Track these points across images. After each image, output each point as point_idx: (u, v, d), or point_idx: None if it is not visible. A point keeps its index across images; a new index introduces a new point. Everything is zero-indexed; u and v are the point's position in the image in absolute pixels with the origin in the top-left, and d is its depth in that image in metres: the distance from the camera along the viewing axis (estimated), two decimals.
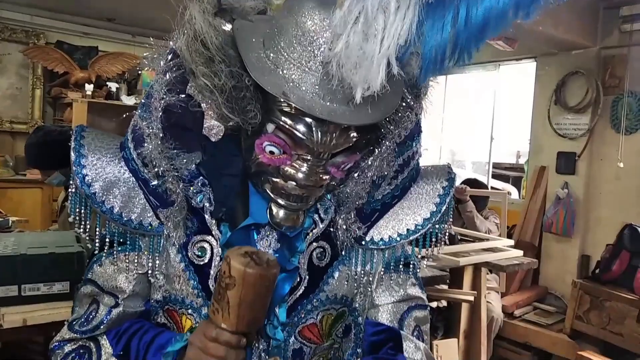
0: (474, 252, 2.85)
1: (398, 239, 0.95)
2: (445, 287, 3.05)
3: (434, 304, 3.16)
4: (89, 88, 4.89)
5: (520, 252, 3.02)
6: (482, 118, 5.21)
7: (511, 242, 3.23)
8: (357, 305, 0.99)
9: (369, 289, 0.98)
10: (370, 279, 0.97)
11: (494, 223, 3.77)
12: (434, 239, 0.97)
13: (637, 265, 3.02)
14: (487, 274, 3.37)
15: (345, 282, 0.95)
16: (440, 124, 5.54)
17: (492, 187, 5.79)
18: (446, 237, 0.97)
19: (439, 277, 2.47)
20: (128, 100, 4.91)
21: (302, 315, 0.92)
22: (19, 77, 5.19)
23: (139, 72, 5.16)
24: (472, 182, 3.88)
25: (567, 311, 3.37)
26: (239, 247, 0.85)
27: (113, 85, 5.15)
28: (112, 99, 5.09)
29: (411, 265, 1.01)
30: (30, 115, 5.21)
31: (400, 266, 0.98)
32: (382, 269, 0.98)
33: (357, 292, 0.97)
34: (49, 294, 1.56)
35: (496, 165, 6.30)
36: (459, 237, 2.98)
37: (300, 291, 0.91)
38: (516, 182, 6.12)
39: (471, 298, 2.89)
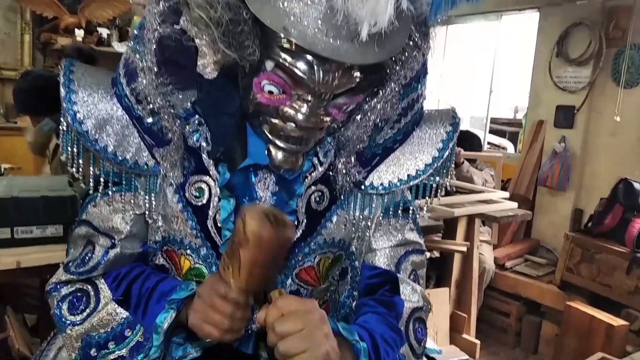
0: (468, 204, 2.86)
1: (398, 184, 0.93)
2: (438, 237, 3.08)
3: (427, 255, 3.20)
4: (79, 34, 4.75)
5: (514, 204, 3.03)
6: (481, 71, 5.13)
7: (506, 194, 3.24)
8: (354, 249, 0.98)
9: (367, 234, 0.97)
10: (369, 223, 0.96)
11: (489, 174, 3.78)
12: (434, 186, 0.95)
13: (630, 218, 3.04)
14: (480, 226, 3.40)
15: (343, 227, 0.94)
16: (439, 78, 5.46)
17: (488, 143, 5.78)
18: (447, 183, 0.96)
19: (433, 227, 2.48)
20: (120, 47, 4.78)
21: (300, 258, 0.91)
22: (7, 21, 5.02)
23: (131, 18, 5.00)
24: (464, 137, 3.83)
25: (557, 263, 3.42)
26: (255, 204, 0.83)
27: (104, 32, 5.00)
28: (103, 45, 4.95)
29: (410, 211, 1.00)
30: (20, 62, 5.07)
31: (399, 211, 0.97)
32: (381, 214, 0.97)
33: (354, 236, 0.97)
34: (42, 237, 1.55)
35: (493, 120, 6.25)
36: (454, 189, 2.99)
37: (298, 234, 0.90)
38: (513, 138, 6.10)
39: (464, 249, 2.92)
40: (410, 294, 0.96)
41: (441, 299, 2.95)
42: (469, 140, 3.68)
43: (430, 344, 1.12)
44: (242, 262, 0.73)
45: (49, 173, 2.64)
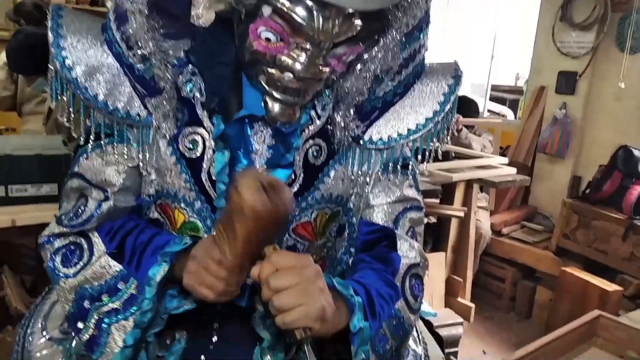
0: (467, 169, 2.85)
1: (398, 138, 0.91)
2: (436, 202, 3.08)
3: (425, 220, 3.21)
4: None
5: (513, 170, 3.02)
6: (483, 37, 5.05)
7: (505, 159, 3.23)
8: (352, 205, 0.97)
9: (365, 190, 0.96)
10: (367, 179, 0.95)
11: (488, 140, 3.76)
12: (435, 140, 0.93)
13: (628, 185, 3.04)
14: (478, 193, 3.40)
15: (341, 182, 0.93)
16: (440, 43, 5.37)
17: (488, 110, 5.74)
18: (448, 139, 0.94)
19: (431, 191, 2.48)
20: None
21: (297, 213, 0.90)
22: None
23: None
24: (460, 102, 3.79)
25: (554, 229, 3.43)
26: (251, 172, 0.80)
27: None
28: (97, 5, 4.84)
29: (409, 167, 0.98)
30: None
31: (398, 167, 0.95)
32: (380, 170, 0.95)
33: (352, 192, 0.95)
34: (37, 196, 1.54)
35: (494, 88, 6.20)
36: (453, 154, 2.97)
37: (295, 189, 0.89)
38: (513, 105, 6.06)
39: (461, 214, 2.93)
40: (407, 250, 0.95)
41: (437, 264, 2.97)
42: (466, 105, 3.64)
43: (425, 307, 1.13)
44: (237, 232, 0.71)
45: (26, 132, 2.62)
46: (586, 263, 3.20)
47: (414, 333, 1.06)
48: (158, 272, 0.80)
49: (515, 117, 5.29)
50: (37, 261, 2.08)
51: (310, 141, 0.89)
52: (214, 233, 0.75)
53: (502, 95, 6.33)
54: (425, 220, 3.29)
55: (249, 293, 0.87)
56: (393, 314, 0.87)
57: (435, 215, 3.13)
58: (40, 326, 0.99)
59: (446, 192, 2.93)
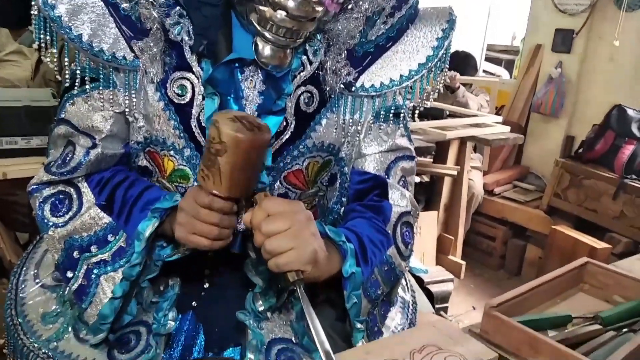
0: (460, 127, 2.84)
1: (390, 85, 0.90)
2: (429, 161, 3.08)
3: (417, 179, 3.22)
4: None
5: (507, 128, 3.02)
6: None
7: (499, 118, 3.22)
8: (343, 154, 0.96)
9: (357, 139, 0.95)
10: (359, 128, 0.94)
11: (485, 100, 3.74)
12: (428, 88, 0.92)
13: (620, 145, 3.04)
14: (472, 152, 3.40)
15: (333, 130, 0.92)
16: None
17: (484, 71, 5.68)
18: (441, 86, 0.92)
19: (424, 148, 2.47)
20: None
21: (288, 161, 0.89)
22: None
23: None
24: (458, 57, 3.75)
25: (545, 189, 3.46)
26: (226, 110, 0.80)
27: None
28: None
29: (401, 116, 0.97)
30: None
31: (390, 116, 0.94)
32: (371, 118, 0.94)
33: (344, 140, 0.94)
34: (27, 149, 1.53)
35: (490, 47, 6.13)
36: (447, 113, 2.95)
37: (287, 136, 0.88)
38: (509, 66, 6.00)
39: (454, 173, 2.94)
40: (399, 198, 0.95)
41: (429, 222, 3.00)
42: (463, 61, 3.61)
43: (417, 264, 1.14)
44: (222, 169, 0.71)
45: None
46: (576, 222, 3.23)
47: (403, 281, 1.07)
48: (148, 227, 0.80)
49: (511, 77, 5.25)
50: (30, 219, 2.07)
51: (302, 88, 0.87)
52: (198, 178, 0.75)
53: (497, 55, 6.25)
54: (418, 179, 3.30)
55: (241, 239, 0.88)
56: (385, 260, 0.87)
57: (428, 174, 3.13)
58: (32, 274, 0.99)
59: (439, 150, 2.93)
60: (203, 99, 0.83)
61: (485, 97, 3.64)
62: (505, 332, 0.71)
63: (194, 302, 0.92)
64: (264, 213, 0.72)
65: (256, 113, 0.85)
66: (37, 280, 0.97)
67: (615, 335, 0.75)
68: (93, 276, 0.83)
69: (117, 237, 0.83)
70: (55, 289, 0.95)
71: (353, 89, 0.90)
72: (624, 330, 0.78)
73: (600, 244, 2.87)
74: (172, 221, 0.80)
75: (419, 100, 0.92)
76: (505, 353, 0.70)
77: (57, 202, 0.87)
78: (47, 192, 0.88)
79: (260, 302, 0.88)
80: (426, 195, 3.20)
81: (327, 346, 0.66)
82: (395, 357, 0.64)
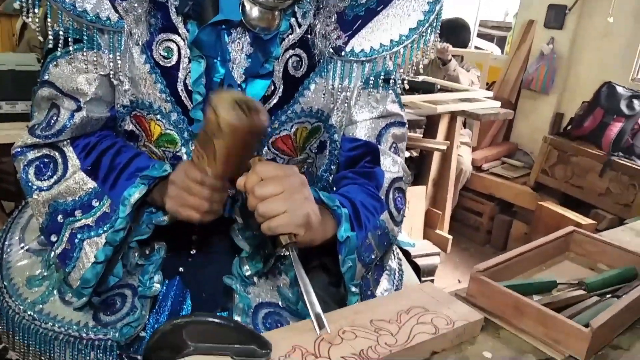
0: (451, 101, 2.83)
1: (380, 50, 0.89)
2: (419, 136, 3.08)
3: (407, 154, 3.22)
4: None
5: (497, 103, 3.02)
6: None
7: (490, 93, 3.21)
8: (334, 121, 0.95)
9: (346, 105, 0.94)
10: (348, 94, 0.93)
11: (476, 75, 3.72)
12: (418, 53, 0.91)
13: (609, 122, 3.06)
14: (461, 128, 3.41)
15: (322, 96, 0.91)
16: None
17: (475, 47, 5.65)
18: (432, 52, 0.91)
19: (415, 122, 2.47)
20: None
21: (276, 126, 0.88)
22: None
23: None
24: (452, 26, 3.71)
25: (533, 166, 3.48)
26: (226, 90, 0.78)
27: None
28: None
29: (391, 81, 0.96)
30: None
31: (380, 82, 0.93)
32: (361, 84, 0.93)
33: (333, 107, 0.93)
34: (12, 114, 1.51)
35: (482, 24, 6.08)
36: (438, 87, 2.94)
37: (274, 101, 0.86)
38: (501, 43, 5.97)
39: (444, 147, 2.94)
40: (390, 165, 0.95)
41: (418, 197, 3.01)
42: (457, 30, 3.57)
43: (404, 237, 1.14)
44: (217, 152, 0.71)
45: None
46: (563, 198, 3.27)
47: None
48: (135, 193, 0.79)
49: (503, 52, 5.23)
50: (17, 187, 2.05)
51: (290, 51, 0.86)
52: (193, 156, 0.75)
53: (489, 31, 6.22)
54: (408, 154, 3.29)
55: (230, 203, 0.87)
56: (378, 225, 0.88)
57: (418, 149, 3.14)
58: (18, 238, 0.98)
59: (429, 125, 2.93)
60: (189, 62, 0.82)
61: (476, 73, 3.63)
62: (490, 295, 0.71)
63: (181, 268, 0.92)
64: (258, 177, 0.71)
65: (243, 77, 0.83)
66: (23, 245, 0.97)
67: (599, 301, 0.77)
68: (77, 241, 0.82)
69: (101, 203, 0.83)
70: (40, 253, 0.95)
71: (343, 53, 0.88)
72: (608, 296, 0.79)
73: (585, 220, 2.91)
74: (162, 191, 0.79)
75: (410, 66, 0.91)
76: (490, 316, 0.71)
77: (41, 165, 0.86)
78: (31, 155, 0.87)
79: (247, 266, 0.88)
80: (415, 170, 3.21)
81: (318, 308, 0.66)
82: (382, 318, 0.64)
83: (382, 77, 0.92)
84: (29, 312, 0.87)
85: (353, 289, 0.82)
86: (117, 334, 0.83)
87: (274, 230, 0.71)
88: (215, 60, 0.82)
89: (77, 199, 0.84)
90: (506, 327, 0.70)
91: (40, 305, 0.87)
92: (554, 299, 0.75)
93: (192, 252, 0.93)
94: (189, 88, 0.83)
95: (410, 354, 0.61)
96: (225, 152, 0.71)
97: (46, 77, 0.86)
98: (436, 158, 3.11)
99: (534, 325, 0.68)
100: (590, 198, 3.13)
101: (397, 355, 0.60)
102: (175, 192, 0.76)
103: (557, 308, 0.72)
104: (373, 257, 0.87)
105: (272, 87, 0.85)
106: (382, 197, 0.90)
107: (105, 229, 0.81)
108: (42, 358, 0.86)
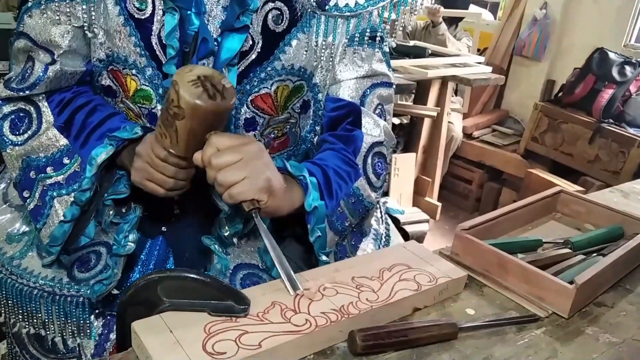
0: (442, 66, 2.79)
1: (365, 5, 0.85)
2: (410, 103, 3.05)
3: (397, 121, 3.19)
4: None
5: (488, 69, 2.98)
6: None
7: (481, 58, 3.17)
8: (317, 80, 0.92)
9: (331, 63, 0.91)
10: (332, 51, 0.89)
11: (466, 45, 3.67)
12: (406, 8, 0.87)
13: (600, 88, 3.04)
14: (452, 95, 3.37)
15: (304, 52, 0.87)
16: None
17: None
18: (421, 6, 0.88)
19: (405, 86, 2.43)
20: None
21: (255, 84, 0.85)
22: None
23: None
24: None
25: (523, 133, 3.47)
26: (191, 66, 0.74)
27: None
28: None
29: (378, 39, 0.93)
30: None
31: (366, 38, 0.89)
32: (346, 41, 0.89)
33: (317, 64, 0.90)
34: None
35: None
36: (429, 51, 2.89)
37: (253, 57, 0.83)
38: (493, 10, 5.88)
39: (434, 113, 2.91)
40: (372, 127, 0.92)
41: (407, 164, 3.00)
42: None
43: (394, 204, 1.12)
44: (179, 132, 0.69)
45: None
46: (552, 166, 3.27)
47: (377, 213, 1.06)
48: (101, 153, 0.78)
49: (495, 18, 5.15)
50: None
51: (270, 4, 0.82)
52: (155, 135, 0.73)
53: None
54: (398, 120, 3.26)
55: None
56: (351, 192, 0.86)
57: (408, 115, 3.11)
58: (1, 193, 0.97)
59: (420, 91, 2.89)
60: (164, 14, 0.78)
61: (467, 42, 3.58)
62: (474, 253, 0.70)
63: (163, 228, 0.91)
64: (214, 148, 0.70)
65: (219, 30, 0.80)
66: (5, 199, 0.96)
67: (584, 259, 0.76)
68: (47, 198, 0.82)
69: (72, 161, 0.83)
70: (22, 209, 0.93)
71: (327, 7, 0.84)
72: (594, 255, 0.78)
73: (574, 187, 2.91)
74: (131, 155, 0.78)
75: (398, 24, 0.88)
76: (474, 274, 0.70)
77: (16, 120, 0.86)
78: (6, 109, 0.86)
79: (226, 227, 0.86)
80: (405, 137, 3.19)
81: (289, 269, 0.66)
82: (364, 275, 0.63)
83: (367, 33, 0.89)
84: (6, 267, 0.88)
85: (324, 257, 0.81)
86: (89, 291, 0.82)
87: (235, 197, 0.70)
88: (189, 12, 0.78)
89: (49, 155, 0.84)
90: (490, 284, 0.69)
91: (18, 260, 0.88)
92: (539, 257, 0.74)
93: (175, 212, 0.91)
94: (163, 42, 0.79)
95: (392, 310, 0.60)
96: (186, 132, 0.69)
97: (21, 29, 0.84)
98: (426, 125, 3.08)
99: (518, 283, 0.67)
100: (579, 165, 3.13)
101: (379, 311, 0.58)
102: (141, 164, 0.75)
103: (542, 266, 0.71)
104: (347, 224, 0.85)
105: (250, 42, 0.82)
106: (359, 163, 0.88)
107: (75, 187, 0.81)
108: (20, 312, 0.87)
